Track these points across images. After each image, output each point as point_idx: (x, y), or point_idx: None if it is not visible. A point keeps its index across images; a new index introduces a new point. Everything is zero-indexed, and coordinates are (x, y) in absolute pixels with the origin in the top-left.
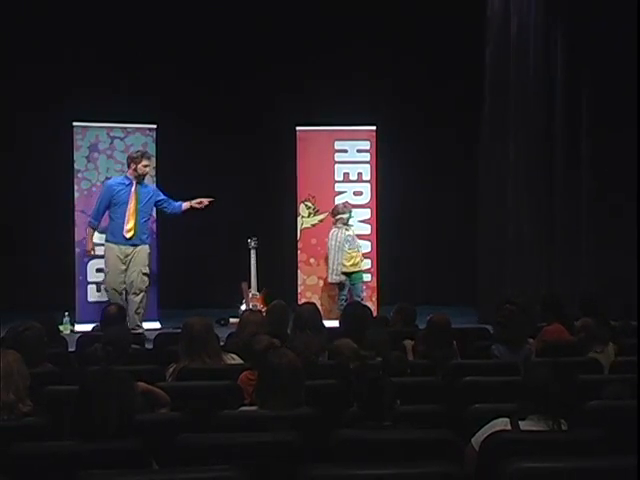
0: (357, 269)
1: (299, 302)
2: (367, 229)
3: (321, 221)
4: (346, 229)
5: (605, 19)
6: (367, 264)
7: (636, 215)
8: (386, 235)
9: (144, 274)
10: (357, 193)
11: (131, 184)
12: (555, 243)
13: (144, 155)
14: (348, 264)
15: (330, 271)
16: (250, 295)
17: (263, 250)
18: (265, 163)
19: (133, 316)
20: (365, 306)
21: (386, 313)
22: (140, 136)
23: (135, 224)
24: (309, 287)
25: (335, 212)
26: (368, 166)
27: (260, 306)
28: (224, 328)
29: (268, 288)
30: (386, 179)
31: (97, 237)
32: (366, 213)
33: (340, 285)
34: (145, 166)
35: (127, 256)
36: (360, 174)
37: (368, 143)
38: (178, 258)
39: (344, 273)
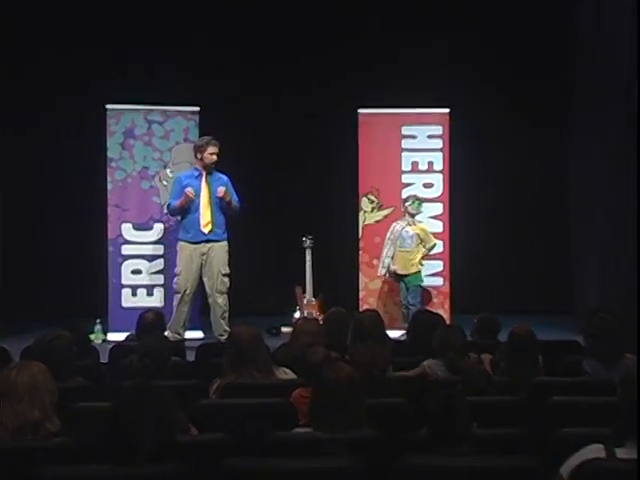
0: (409, 272)
1: (360, 309)
2: (438, 226)
3: (386, 217)
4: (408, 224)
5: None
6: (437, 266)
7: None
8: (460, 233)
9: (224, 275)
10: (427, 185)
11: (200, 175)
12: None
13: (210, 142)
14: (398, 265)
15: (380, 264)
16: (305, 301)
17: (319, 250)
18: (322, 151)
19: (218, 321)
20: (437, 314)
21: (460, 322)
22: (181, 120)
23: (212, 217)
24: (371, 292)
25: (406, 200)
26: (440, 154)
27: (316, 313)
28: (275, 338)
29: (325, 293)
30: (461, 169)
31: (126, 230)
32: (437, 208)
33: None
34: (212, 154)
35: (203, 255)
36: (431, 163)
37: (440, 128)
38: None
39: (396, 275)
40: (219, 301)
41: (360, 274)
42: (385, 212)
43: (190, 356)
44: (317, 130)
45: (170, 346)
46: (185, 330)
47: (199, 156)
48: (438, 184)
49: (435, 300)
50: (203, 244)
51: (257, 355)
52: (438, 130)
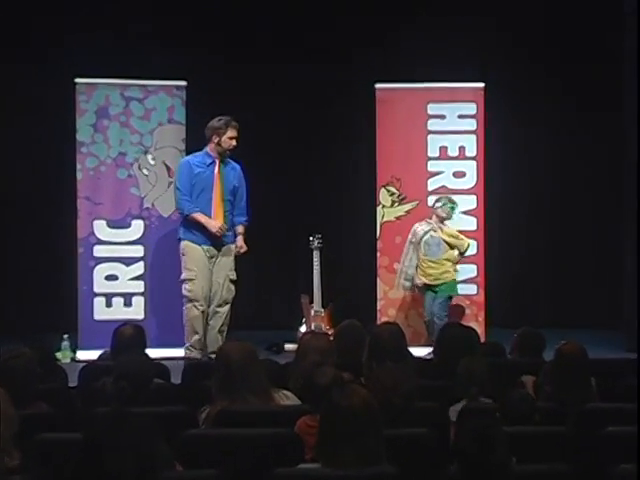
0: (442, 281)
1: (378, 322)
2: (471, 223)
3: (408, 212)
4: (433, 229)
5: None
6: (470, 270)
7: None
8: (498, 232)
9: (231, 281)
10: (458, 174)
11: (213, 163)
12: None
13: (230, 123)
14: (426, 277)
15: (397, 274)
16: (312, 313)
17: (330, 252)
18: (332, 134)
19: (215, 336)
20: (469, 329)
21: (496, 338)
22: (165, 97)
23: (224, 216)
24: (392, 302)
25: (437, 200)
26: (474, 137)
27: (325, 327)
28: (277, 357)
29: (336, 303)
30: (498, 155)
31: (99, 227)
32: (470, 202)
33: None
34: (231, 138)
35: (212, 258)
36: (462, 149)
37: (474, 106)
38: None
39: (425, 286)
40: (221, 311)
41: (378, 280)
42: (408, 207)
43: (176, 378)
44: (326, 109)
45: (151, 366)
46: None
47: (215, 140)
48: (471, 173)
49: (468, 312)
50: (211, 246)
51: (251, 376)
52: (471, 109)
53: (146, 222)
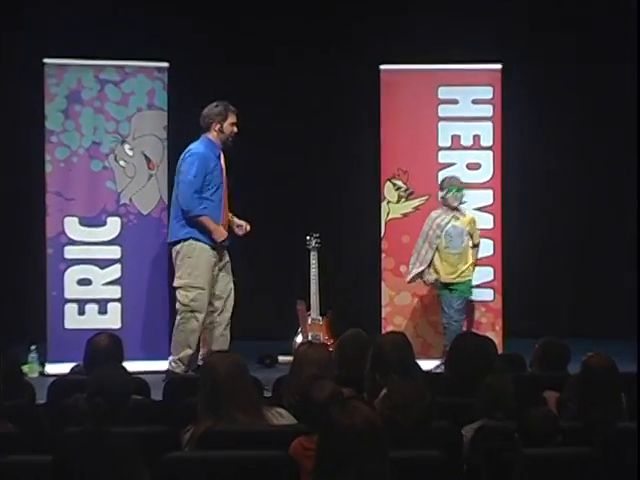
0: (460, 279)
1: (383, 331)
2: (487, 221)
3: (417, 209)
4: (454, 217)
5: None
6: (486, 274)
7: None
8: (516, 231)
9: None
10: (472, 166)
11: (220, 155)
12: None
13: (229, 108)
14: (443, 272)
15: (412, 261)
16: (309, 321)
17: (329, 253)
18: (331, 121)
19: (223, 339)
20: (485, 339)
21: (515, 349)
22: (145, 79)
23: (229, 216)
24: (399, 309)
25: (440, 186)
26: (490, 125)
27: (324, 337)
28: (270, 370)
29: (336, 310)
30: (517, 145)
31: (70, 226)
32: (486, 197)
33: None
34: (233, 124)
35: (218, 262)
36: (477, 137)
37: (490, 90)
38: None
39: (441, 283)
40: (227, 316)
41: (383, 285)
42: (416, 202)
43: (156, 394)
44: (324, 94)
45: (129, 381)
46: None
47: (217, 127)
48: (487, 165)
49: (483, 320)
50: (219, 249)
51: (240, 392)
52: (487, 93)
53: (123, 220)
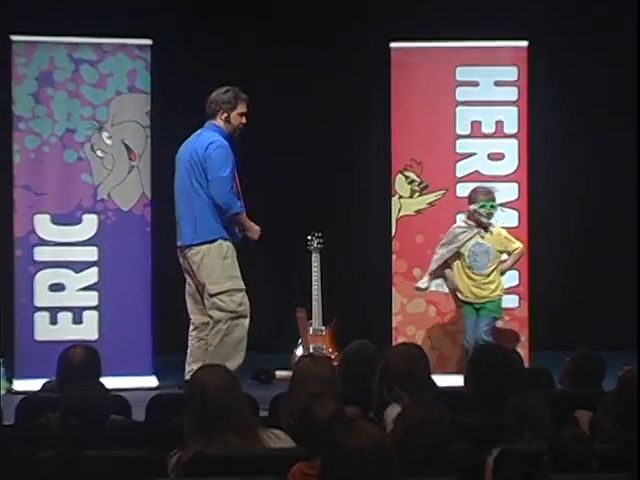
0: (487, 298)
1: (393, 343)
2: (511, 218)
3: (432, 205)
4: (479, 234)
5: None
6: (510, 278)
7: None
8: (544, 229)
9: None
10: (494, 157)
11: (231, 146)
12: None
13: (239, 96)
14: (468, 292)
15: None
16: (311, 331)
17: (332, 255)
18: (336, 106)
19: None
20: (511, 352)
21: (543, 361)
22: (125, 59)
23: None
24: (412, 318)
25: (472, 199)
26: (514, 110)
27: (327, 349)
28: (266, 387)
29: (341, 319)
30: (545, 133)
31: (41, 224)
32: (510, 191)
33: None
34: (241, 114)
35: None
36: (500, 124)
37: (514, 71)
38: (182, 276)
39: (465, 302)
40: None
41: (393, 290)
42: (431, 197)
43: (138, 414)
44: (328, 76)
45: (108, 399)
46: None
47: (223, 116)
48: (511, 155)
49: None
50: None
51: (233, 411)
52: (511, 74)
53: (101, 217)
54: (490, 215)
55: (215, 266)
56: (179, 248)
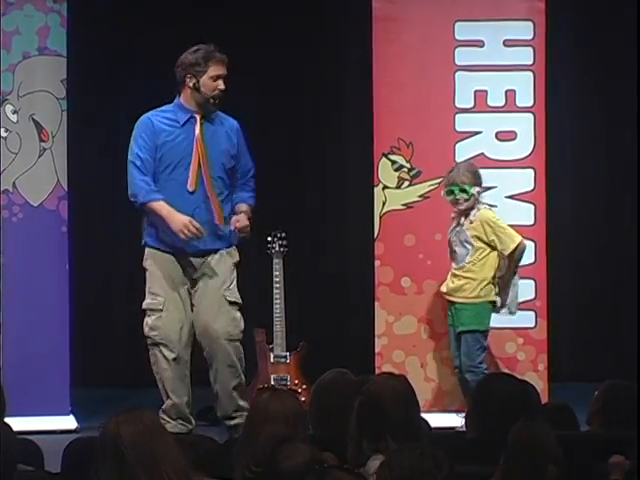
0: (457, 299)
1: (377, 372)
2: (526, 214)
3: (425, 197)
4: (459, 223)
5: None
6: (524, 289)
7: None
8: (567, 227)
9: (231, 304)
10: (504, 136)
11: (191, 121)
12: None
13: (210, 56)
14: (447, 286)
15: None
16: (272, 358)
17: (299, 260)
18: (305, 75)
19: (228, 393)
20: (523, 383)
21: (564, 397)
22: (34, 12)
23: (217, 204)
24: (399, 340)
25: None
26: (529, 77)
27: (294, 382)
28: (214, 430)
29: (309, 342)
30: (568, 106)
31: None
32: (524, 180)
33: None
34: (215, 78)
35: (194, 274)
36: (510, 94)
37: (529, 27)
38: (111, 289)
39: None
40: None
41: (377, 306)
42: (424, 188)
43: (53, 463)
44: (296, 36)
45: (15, 445)
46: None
47: (191, 83)
48: (525, 134)
49: (521, 356)
50: (195, 254)
51: (159, 464)
52: (525, 31)
53: (4, 214)
54: (456, 202)
55: (235, 274)
56: None
